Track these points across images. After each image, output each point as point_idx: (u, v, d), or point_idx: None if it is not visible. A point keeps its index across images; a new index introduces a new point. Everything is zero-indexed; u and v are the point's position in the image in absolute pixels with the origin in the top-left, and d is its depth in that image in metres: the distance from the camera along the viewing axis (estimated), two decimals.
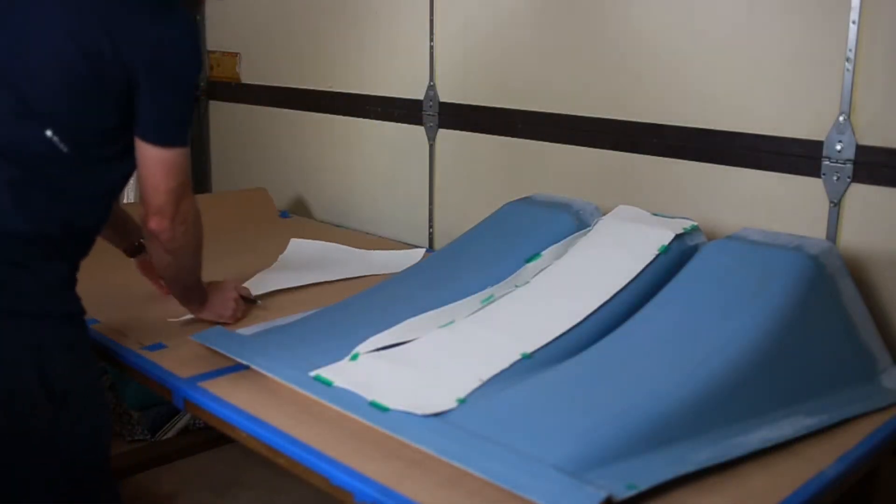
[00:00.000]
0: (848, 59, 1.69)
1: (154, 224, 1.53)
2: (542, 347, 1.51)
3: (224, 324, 1.76)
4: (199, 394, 1.46)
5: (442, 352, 1.53)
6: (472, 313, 1.66)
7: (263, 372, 1.52)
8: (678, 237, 1.70)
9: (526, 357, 1.48)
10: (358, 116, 2.75)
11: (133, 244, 1.92)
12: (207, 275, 2.05)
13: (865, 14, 1.66)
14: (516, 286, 1.73)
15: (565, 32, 2.16)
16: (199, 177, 3.45)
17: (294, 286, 2.02)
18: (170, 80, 1.46)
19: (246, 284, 1.93)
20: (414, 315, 1.65)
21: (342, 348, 1.54)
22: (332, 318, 1.73)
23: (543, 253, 1.80)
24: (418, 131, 2.55)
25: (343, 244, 2.47)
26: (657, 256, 1.67)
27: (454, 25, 2.42)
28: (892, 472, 1.60)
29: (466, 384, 1.40)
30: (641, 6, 2.00)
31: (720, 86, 1.90)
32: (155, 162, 1.48)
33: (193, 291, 1.73)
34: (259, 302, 1.88)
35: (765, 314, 1.45)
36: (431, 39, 2.47)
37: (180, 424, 2.79)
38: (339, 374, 1.47)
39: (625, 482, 1.13)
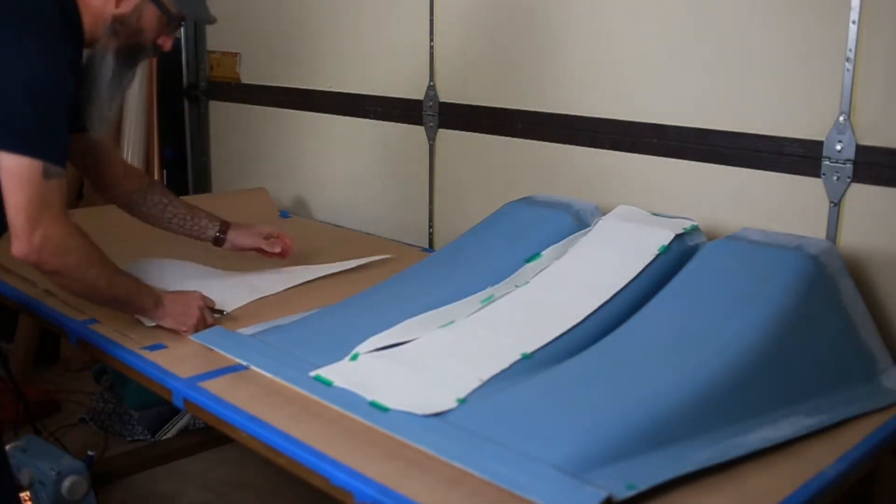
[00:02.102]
0: (848, 59, 1.69)
1: (14, 249, 1.48)
2: (542, 347, 1.51)
3: (182, 332, 1.69)
4: (199, 394, 1.46)
5: (442, 352, 1.53)
6: (472, 313, 1.66)
7: (263, 372, 1.52)
8: (678, 237, 1.70)
9: (526, 357, 1.48)
10: (358, 116, 2.75)
11: (214, 236, 2.00)
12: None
13: (865, 14, 1.66)
14: (516, 286, 1.73)
15: (565, 32, 2.16)
16: (199, 177, 3.45)
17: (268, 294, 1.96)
18: (15, 89, 1.45)
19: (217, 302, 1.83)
20: (414, 315, 1.65)
21: (342, 348, 1.54)
22: (332, 318, 1.73)
23: (543, 253, 1.80)
24: (418, 131, 2.55)
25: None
26: (657, 256, 1.67)
27: (454, 25, 2.42)
28: (892, 472, 1.60)
29: (466, 384, 1.40)
30: (640, 6, 2.00)
31: (720, 86, 1.90)
32: (4, 171, 1.45)
33: (126, 303, 1.66)
34: (226, 312, 1.80)
35: (765, 314, 1.45)
36: (431, 39, 2.47)
37: (180, 424, 2.79)
38: (339, 374, 1.47)
39: (625, 482, 1.13)
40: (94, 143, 1.82)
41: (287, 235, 2.09)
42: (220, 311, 1.78)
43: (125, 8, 1.62)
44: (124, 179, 1.94)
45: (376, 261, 2.20)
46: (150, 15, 1.65)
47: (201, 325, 1.71)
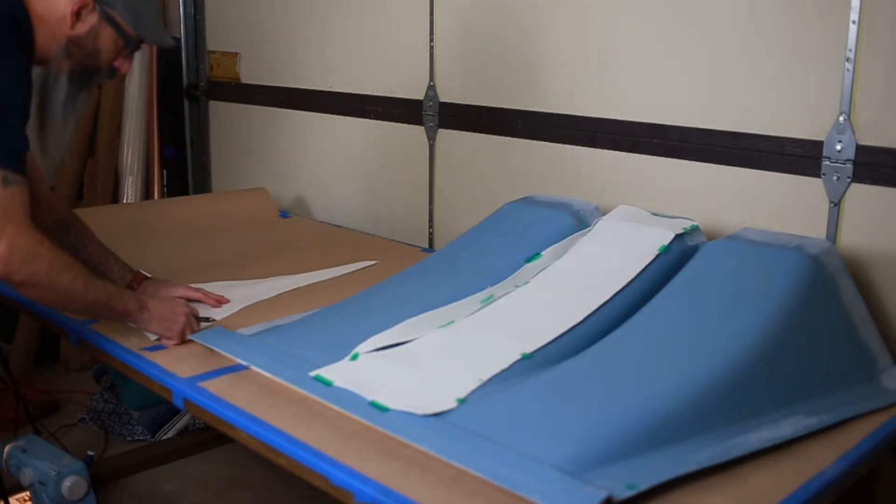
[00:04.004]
0: (848, 59, 1.69)
1: None
2: (542, 347, 1.51)
3: (167, 339, 1.65)
4: (199, 394, 1.46)
5: (442, 352, 1.53)
6: (472, 313, 1.66)
7: (263, 372, 1.52)
8: (678, 237, 1.70)
9: (526, 357, 1.48)
10: (358, 116, 2.75)
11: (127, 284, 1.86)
12: (209, 275, 2.06)
13: (865, 14, 1.66)
14: (516, 286, 1.73)
15: (565, 32, 2.16)
16: (199, 177, 3.45)
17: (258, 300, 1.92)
18: None
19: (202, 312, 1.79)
20: (414, 315, 1.65)
21: (342, 348, 1.54)
22: (332, 318, 1.73)
23: (543, 253, 1.80)
24: (418, 131, 2.55)
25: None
26: (657, 256, 1.67)
27: (454, 25, 2.42)
28: (892, 472, 1.60)
29: (466, 384, 1.40)
30: (640, 6, 2.01)
31: (720, 86, 1.90)
32: None
33: (108, 307, 1.62)
34: (212, 320, 1.76)
35: (765, 314, 1.45)
36: (431, 39, 2.47)
37: (180, 424, 2.79)
38: (339, 374, 1.47)
39: (625, 482, 1.13)
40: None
41: (212, 296, 1.88)
42: (206, 319, 1.74)
43: (81, 29, 1.58)
44: (47, 211, 1.79)
45: (366, 265, 2.19)
46: (107, 37, 1.61)
47: (187, 331, 1.66)
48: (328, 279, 2.10)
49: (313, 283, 2.06)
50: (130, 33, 1.63)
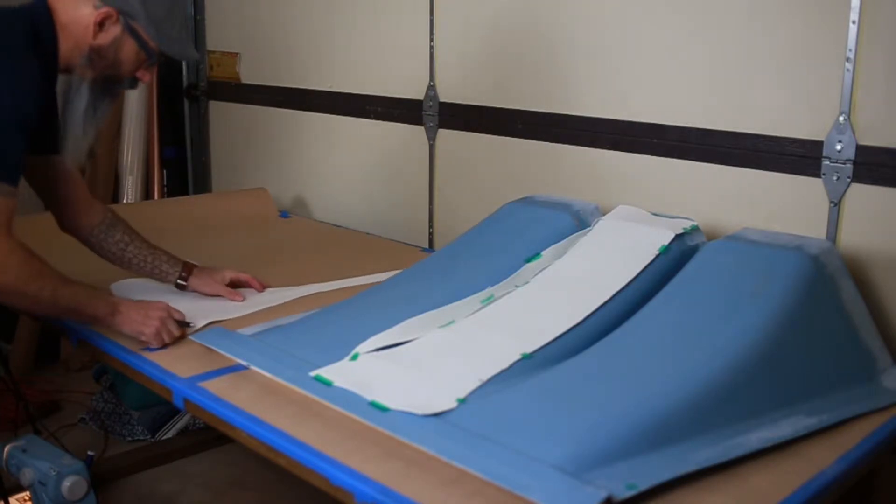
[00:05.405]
0: (848, 59, 1.69)
1: None
2: (542, 347, 1.51)
3: (145, 342, 1.64)
4: (199, 394, 1.46)
5: (442, 352, 1.53)
6: (472, 313, 1.66)
7: (263, 372, 1.52)
8: (678, 237, 1.70)
9: (526, 357, 1.48)
10: (358, 116, 2.75)
11: (175, 282, 1.91)
12: None
13: (865, 14, 1.66)
14: (516, 286, 1.73)
15: (565, 32, 2.16)
16: (199, 177, 3.45)
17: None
18: None
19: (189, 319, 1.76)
20: (414, 315, 1.65)
21: (342, 348, 1.54)
22: (332, 318, 1.73)
23: (543, 253, 1.80)
24: (418, 131, 2.55)
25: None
26: (657, 256, 1.67)
27: (454, 25, 2.42)
28: (892, 472, 1.60)
29: (466, 384, 1.40)
30: (640, 7, 2.01)
31: (720, 86, 1.90)
32: None
33: (77, 312, 1.65)
34: (192, 325, 1.73)
35: (765, 314, 1.45)
36: (431, 39, 2.47)
37: (180, 424, 2.79)
38: (339, 374, 1.47)
39: (625, 482, 1.13)
40: (58, 169, 1.77)
41: (255, 279, 1.98)
42: (187, 324, 1.72)
43: (103, 40, 1.60)
44: (86, 212, 1.86)
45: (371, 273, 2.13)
46: (129, 49, 1.64)
47: (164, 334, 1.64)
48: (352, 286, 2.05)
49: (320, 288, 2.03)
50: (153, 46, 1.65)
